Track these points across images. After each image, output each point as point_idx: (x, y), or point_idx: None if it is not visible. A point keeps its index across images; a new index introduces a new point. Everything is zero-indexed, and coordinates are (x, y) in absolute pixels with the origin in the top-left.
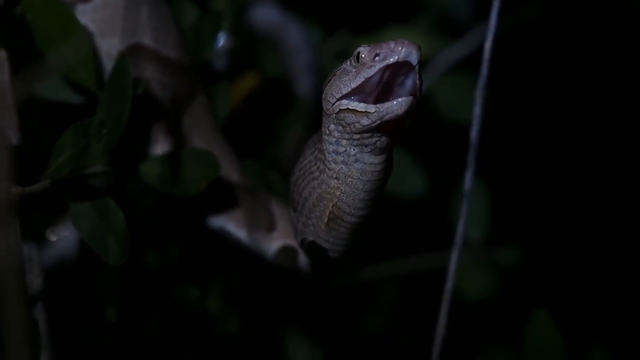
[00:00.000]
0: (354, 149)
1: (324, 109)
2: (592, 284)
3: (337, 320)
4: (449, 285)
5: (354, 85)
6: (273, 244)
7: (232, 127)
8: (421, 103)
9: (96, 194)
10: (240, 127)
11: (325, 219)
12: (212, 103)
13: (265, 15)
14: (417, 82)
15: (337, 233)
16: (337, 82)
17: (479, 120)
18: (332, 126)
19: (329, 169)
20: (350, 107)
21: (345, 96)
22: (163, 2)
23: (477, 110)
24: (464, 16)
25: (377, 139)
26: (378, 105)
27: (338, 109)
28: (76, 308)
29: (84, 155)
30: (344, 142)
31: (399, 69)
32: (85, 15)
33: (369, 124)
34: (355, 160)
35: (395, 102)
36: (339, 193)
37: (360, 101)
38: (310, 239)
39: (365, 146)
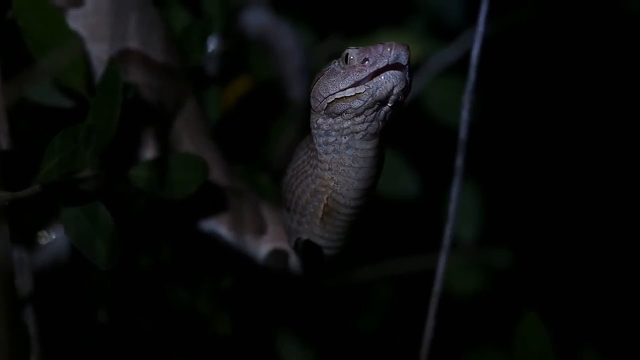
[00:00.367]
0: (344, 138)
1: (312, 107)
2: (583, 285)
3: (330, 321)
4: (436, 287)
5: (342, 87)
6: (263, 247)
7: (223, 131)
8: (413, 105)
9: (86, 198)
10: (232, 131)
11: (320, 214)
12: (203, 107)
13: (257, 19)
14: (407, 78)
15: (332, 227)
16: (325, 82)
17: (467, 124)
18: (320, 120)
19: (321, 162)
20: (338, 96)
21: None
22: (153, 7)
23: (465, 114)
24: (455, 20)
25: (368, 124)
26: (367, 83)
27: (327, 104)
28: (67, 310)
29: (74, 160)
30: (334, 132)
31: (388, 70)
32: (76, 20)
33: (361, 105)
34: (347, 147)
35: (383, 77)
36: (332, 184)
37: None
38: (305, 237)
39: (356, 133)
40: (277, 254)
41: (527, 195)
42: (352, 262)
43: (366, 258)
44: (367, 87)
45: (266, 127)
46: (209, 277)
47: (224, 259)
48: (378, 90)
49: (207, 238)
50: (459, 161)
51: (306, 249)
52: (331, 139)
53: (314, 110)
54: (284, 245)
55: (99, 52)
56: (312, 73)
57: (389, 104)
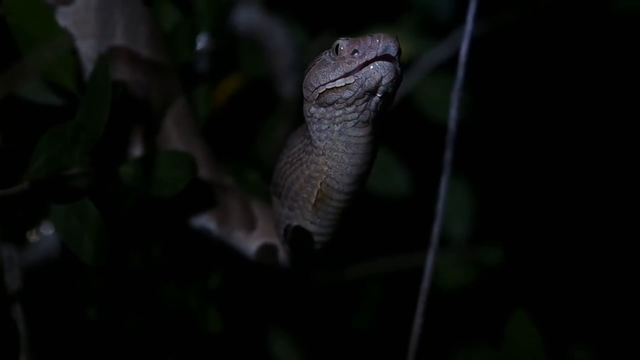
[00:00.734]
0: (336, 126)
1: (304, 96)
2: (573, 282)
3: (322, 319)
4: (424, 285)
5: (332, 78)
6: (254, 242)
7: (214, 128)
8: (404, 102)
9: (74, 195)
10: (223, 128)
11: (313, 200)
12: (193, 104)
13: (248, 16)
14: (397, 69)
15: (324, 214)
16: (316, 72)
17: (455, 122)
18: (312, 109)
19: (315, 147)
20: (329, 87)
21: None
22: (143, 4)
23: (454, 112)
24: (446, 18)
25: (359, 113)
26: (356, 74)
27: (318, 94)
28: (57, 307)
29: (62, 157)
30: (326, 121)
31: (377, 61)
32: (65, 18)
33: (351, 95)
34: (340, 134)
35: (372, 67)
36: (326, 169)
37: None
38: (295, 223)
39: (348, 121)
40: (268, 249)
41: (517, 193)
42: (343, 259)
43: (357, 255)
44: (356, 78)
45: (257, 125)
46: (199, 274)
47: (214, 255)
48: (367, 81)
49: (197, 235)
50: (448, 158)
51: (296, 234)
52: (324, 127)
53: (306, 100)
54: (274, 240)
55: (89, 50)
56: (303, 71)
57: (379, 95)
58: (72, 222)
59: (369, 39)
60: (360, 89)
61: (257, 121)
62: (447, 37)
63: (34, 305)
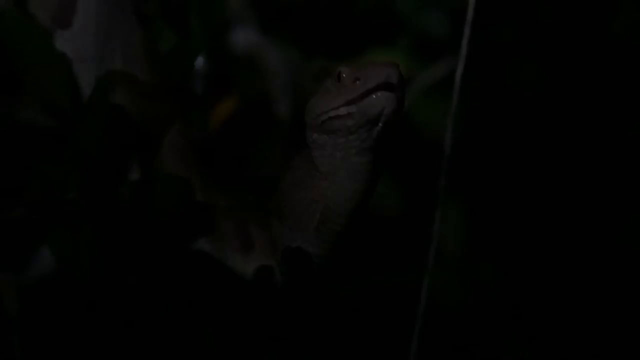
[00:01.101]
0: (339, 153)
1: (308, 124)
2: (569, 300)
3: (316, 339)
4: (420, 309)
5: (334, 105)
6: (251, 264)
7: (210, 150)
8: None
9: (70, 219)
10: (219, 150)
11: (315, 222)
12: (189, 126)
13: (244, 38)
14: (399, 97)
15: (326, 236)
16: (319, 99)
17: (450, 147)
18: (315, 135)
19: (319, 172)
20: (331, 114)
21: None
22: (139, 27)
23: (449, 138)
24: (442, 38)
25: (361, 141)
26: (358, 103)
27: (321, 121)
28: (50, 325)
29: (59, 181)
30: (329, 147)
31: (380, 89)
32: (63, 41)
33: (354, 124)
34: (343, 160)
35: (374, 97)
36: (329, 193)
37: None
38: (295, 245)
39: (351, 148)
40: (264, 271)
41: (513, 211)
42: (339, 279)
43: (354, 272)
44: (358, 107)
45: (253, 146)
46: (195, 295)
47: (211, 277)
48: (369, 110)
49: (193, 257)
50: (442, 184)
51: (296, 256)
52: (327, 153)
53: (309, 127)
54: (272, 262)
55: (86, 73)
56: (298, 92)
57: (381, 124)
58: (68, 246)
59: (371, 67)
60: (362, 118)
61: (253, 142)
62: (444, 57)
63: (30, 327)
